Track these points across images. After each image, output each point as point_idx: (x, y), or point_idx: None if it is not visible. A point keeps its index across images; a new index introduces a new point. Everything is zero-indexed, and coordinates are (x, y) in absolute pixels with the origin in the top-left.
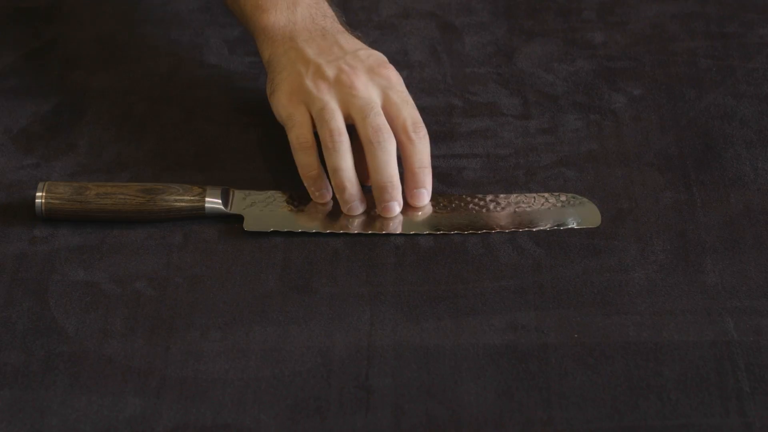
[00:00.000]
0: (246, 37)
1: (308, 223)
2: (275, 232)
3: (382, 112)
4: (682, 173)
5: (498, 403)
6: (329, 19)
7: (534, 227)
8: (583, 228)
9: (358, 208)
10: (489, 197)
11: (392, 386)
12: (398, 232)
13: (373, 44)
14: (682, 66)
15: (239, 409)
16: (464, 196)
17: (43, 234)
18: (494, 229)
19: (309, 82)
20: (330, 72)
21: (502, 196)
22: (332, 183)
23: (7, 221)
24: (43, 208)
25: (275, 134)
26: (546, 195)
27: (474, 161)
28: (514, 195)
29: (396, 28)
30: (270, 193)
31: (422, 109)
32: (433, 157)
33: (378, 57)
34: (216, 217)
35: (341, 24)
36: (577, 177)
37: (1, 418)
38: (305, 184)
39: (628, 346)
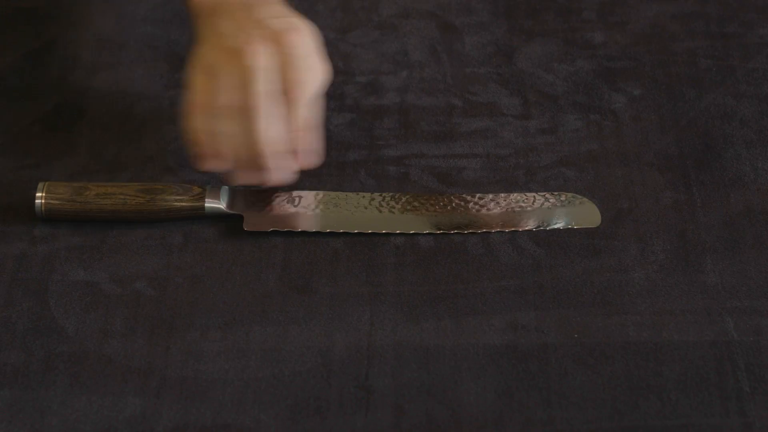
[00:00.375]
0: None
1: (308, 222)
2: (275, 232)
3: (270, 80)
4: (682, 173)
5: (498, 403)
6: None
7: (534, 227)
8: (583, 228)
9: (256, 175)
10: (489, 197)
11: (392, 386)
12: (398, 232)
13: (373, 44)
14: (682, 66)
15: (239, 409)
16: (464, 196)
17: (43, 234)
18: (494, 229)
19: (214, 56)
20: (231, 42)
21: (502, 195)
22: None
23: (7, 221)
24: (43, 208)
25: None
26: (546, 195)
27: (474, 161)
28: (515, 194)
29: (396, 28)
30: (270, 192)
31: (422, 109)
32: (433, 157)
33: (287, 23)
34: (216, 216)
35: None
36: (577, 177)
37: (1, 418)
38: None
39: (628, 346)
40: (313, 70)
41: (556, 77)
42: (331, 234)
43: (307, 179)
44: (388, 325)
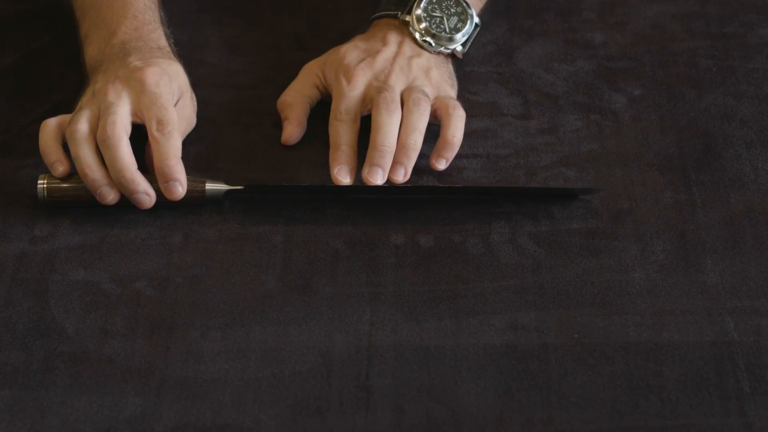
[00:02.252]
0: (246, 37)
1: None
2: (275, 232)
3: (117, 118)
4: (682, 173)
5: (498, 403)
6: (139, 42)
7: (535, 192)
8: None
9: (109, 193)
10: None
11: (392, 386)
12: (380, 183)
13: None
14: (682, 66)
15: (239, 409)
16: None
17: (43, 233)
18: (495, 193)
19: (83, 99)
20: (98, 86)
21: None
22: (77, 170)
23: (7, 221)
24: (46, 193)
25: (275, 134)
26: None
27: (474, 161)
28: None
29: None
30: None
31: None
32: None
33: (144, 65)
34: (216, 201)
35: (153, 42)
36: (577, 177)
37: (1, 418)
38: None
39: (628, 346)
40: (164, 106)
41: (556, 77)
42: (331, 234)
43: (307, 178)
44: (388, 325)
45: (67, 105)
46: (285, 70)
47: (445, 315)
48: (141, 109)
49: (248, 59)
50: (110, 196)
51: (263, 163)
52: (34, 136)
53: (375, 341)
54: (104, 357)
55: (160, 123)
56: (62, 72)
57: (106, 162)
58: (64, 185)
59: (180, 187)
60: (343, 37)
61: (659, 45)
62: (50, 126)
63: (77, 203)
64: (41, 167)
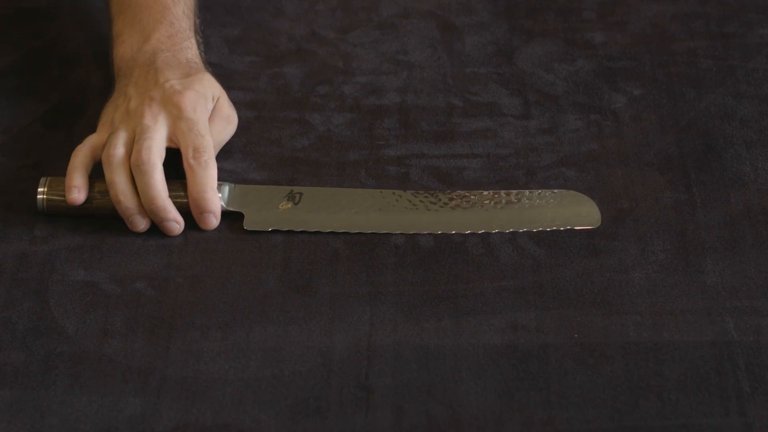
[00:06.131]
0: (246, 37)
1: (308, 221)
2: (275, 231)
3: (153, 144)
4: (682, 173)
5: (498, 403)
6: (169, 54)
7: (534, 227)
8: (583, 228)
9: (140, 222)
10: (490, 193)
11: (392, 386)
12: (398, 232)
13: (373, 44)
14: (682, 66)
15: (239, 409)
16: (464, 193)
17: (43, 234)
18: (494, 229)
19: (116, 114)
20: (132, 104)
21: (502, 193)
22: (111, 196)
23: (7, 221)
24: (45, 204)
25: (276, 134)
26: (546, 193)
27: (474, 161)
28: (515, 192)
29: (396, 28)
30: (270, 189)
31: (422, 109)
32: (434, 157)
33: (182, 85)
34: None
35: (182, 53)
36: (577, 177)
37: (1, 418)
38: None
39: (628, 346)
40: (201, 133)
41: (556, 77)
42: (331, 234)
43: (307, 178)
44: (388, 325)
45: (67, 105)
46: (285, 70)
47: (445, 315)
48: (177, 135)
49: (248, 59)
50: (141, 225)
51: (263, 163)
52: (35, 136)
53: (375, 341)
54: (104, 357)
55: (197, 151)
56: (62, 72)
57: (139, 188)
58: (65, 197)
59: (214, 219)
60: (343, 38)
61: (659, 45)
62: (83, 151)
63: (76, 214)
64: (41, 168)
